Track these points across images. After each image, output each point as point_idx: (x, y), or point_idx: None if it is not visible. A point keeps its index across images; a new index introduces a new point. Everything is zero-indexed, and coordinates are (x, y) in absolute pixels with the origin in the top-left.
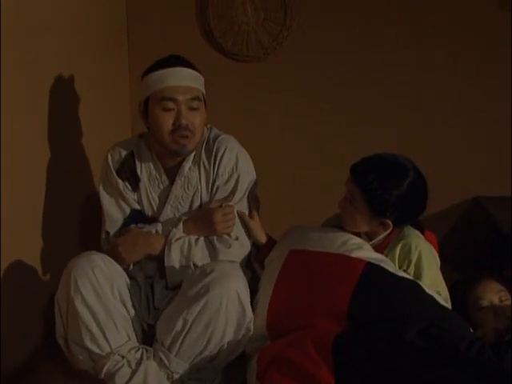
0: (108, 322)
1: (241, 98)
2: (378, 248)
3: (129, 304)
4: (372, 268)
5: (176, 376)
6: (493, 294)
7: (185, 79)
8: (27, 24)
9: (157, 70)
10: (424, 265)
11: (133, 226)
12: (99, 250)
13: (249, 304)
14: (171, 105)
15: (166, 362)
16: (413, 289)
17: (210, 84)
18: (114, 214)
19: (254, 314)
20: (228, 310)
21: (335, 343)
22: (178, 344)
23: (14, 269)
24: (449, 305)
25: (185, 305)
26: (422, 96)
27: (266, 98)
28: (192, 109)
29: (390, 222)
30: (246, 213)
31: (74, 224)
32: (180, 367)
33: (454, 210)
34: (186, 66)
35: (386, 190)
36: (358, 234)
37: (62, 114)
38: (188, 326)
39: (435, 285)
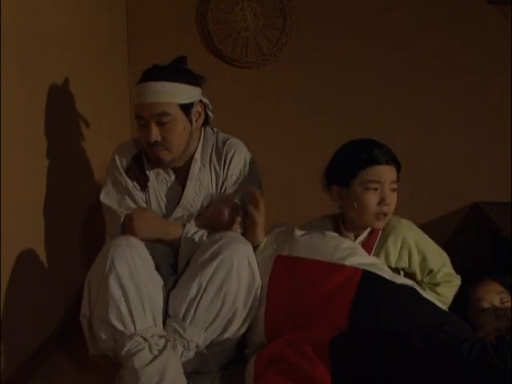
0: (137, 303)
1: (240, 104)
2: (367, 245)
3: (162, 292)
4: (369, 277)
5: (192, 345)
6: (493, 295)
7: (151, 95)
8: (27, 26)
9: (139, 82)
10: (425, 246)
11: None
12: (98, 248)
13: (257, 269)
14: (142, 121)
15: (180, 331)
16: (411, 296)
17: (209, 90)
18: (121, 212)
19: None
20: (239, 272)
21: (332, 343)
22: (192, 311)
23: (15, 270)
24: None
25: (198, 270)
26: (422, 103)
27: (265, 104)
28: (162, 123)
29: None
30: None
31: (73, 224)
32: (195, 335)
33: (455, 216)
34: (159, 79)
35: None
36: (339, 226)
37: (61, 117)
38: (202, 290)
39: (443, 258)
